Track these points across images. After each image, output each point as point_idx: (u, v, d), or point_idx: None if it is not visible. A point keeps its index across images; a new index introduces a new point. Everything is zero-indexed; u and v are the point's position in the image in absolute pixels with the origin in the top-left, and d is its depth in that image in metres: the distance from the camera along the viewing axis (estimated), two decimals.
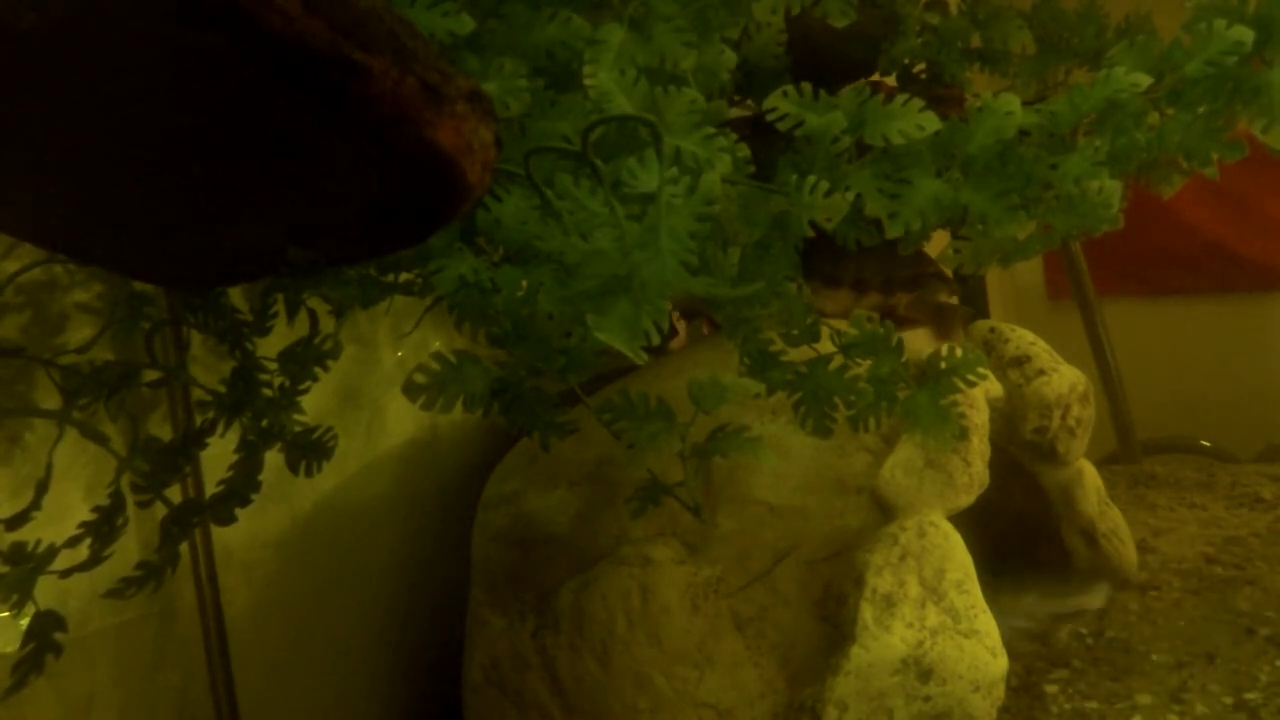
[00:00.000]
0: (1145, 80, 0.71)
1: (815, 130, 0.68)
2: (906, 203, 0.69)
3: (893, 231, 0.70)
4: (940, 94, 1.03)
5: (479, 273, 0.60)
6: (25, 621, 0.69)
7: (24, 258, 0.75)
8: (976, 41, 1.05)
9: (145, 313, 0.78)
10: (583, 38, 0.61)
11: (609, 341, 0.49)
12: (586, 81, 0.59)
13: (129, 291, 0.77)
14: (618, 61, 0.60)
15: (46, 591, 0.69)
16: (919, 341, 1.04)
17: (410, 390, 0.65)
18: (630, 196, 0.52)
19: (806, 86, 0.69)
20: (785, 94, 0.69)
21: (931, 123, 0.67)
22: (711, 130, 0.59)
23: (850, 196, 0.68)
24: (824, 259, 0.98)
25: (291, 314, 0.81)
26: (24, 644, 0.68)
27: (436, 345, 1.09)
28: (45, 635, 0.68)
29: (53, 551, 0.70)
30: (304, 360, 0.81)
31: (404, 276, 0.78)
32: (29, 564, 0.68)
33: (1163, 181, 0.89)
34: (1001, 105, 0.69)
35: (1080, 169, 0.70)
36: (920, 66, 1.06)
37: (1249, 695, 0.92)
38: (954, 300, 1.13)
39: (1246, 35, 0.72)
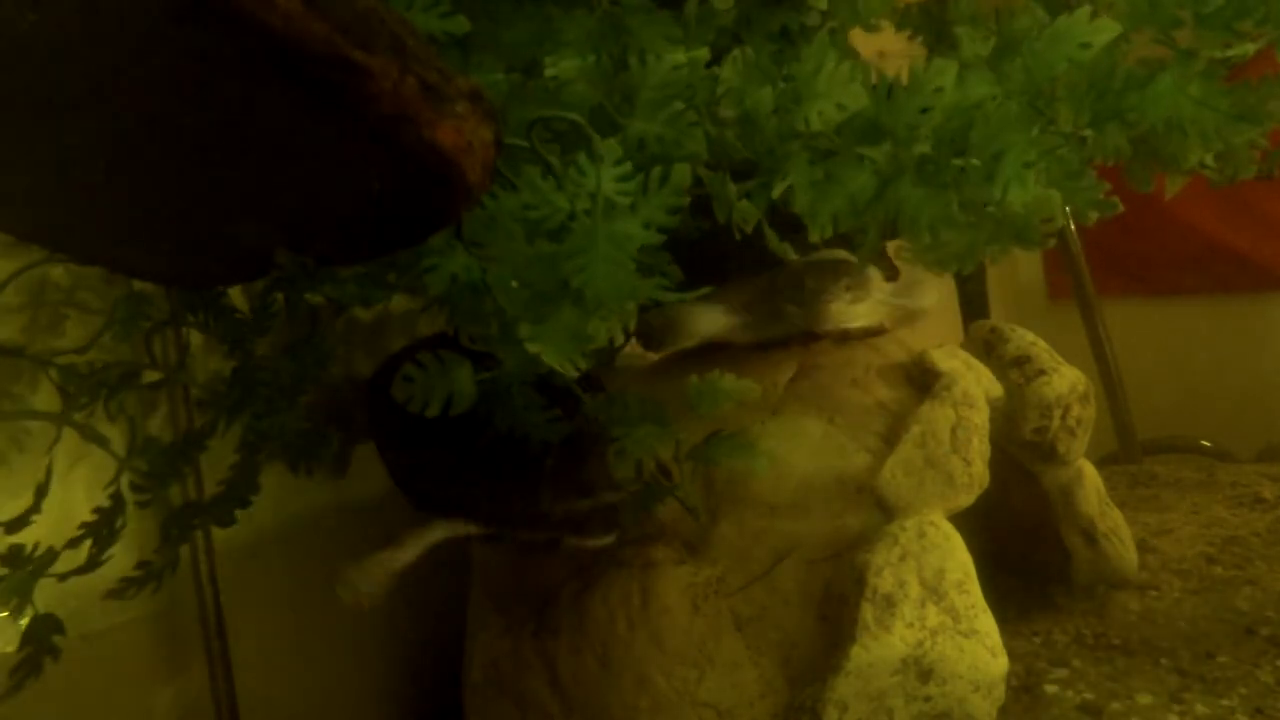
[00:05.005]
0: (1111, 28, 0.57)
1: (750, 108, 0.57)
2: (826, 200, 0.58)
3: (812, 234, 0.61)
4: None
5: (470, 271, 0.59)
6: (25, 622, 0.69)
7: (24, 258, 0.75)
8: None
9: (145, 313, 0.78)
10: (556, 36, 0.58)
11: (539, 354, 0.46)
12: (548, 72, 0.55)
13: (129, 291, 0.77)
14: (583, 48, 0.55)
15: (47, 592, 0.69)
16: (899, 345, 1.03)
17: (397, 388, 0.64)
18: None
19: (755, 48, 0.59)
20: (735, 60, 0.58)
21: (856, 100, 0.56)
22: (681, 106, 0.52)
23: (784, 186, 0.59)
24: None
25: (291, 314, 0.81)
26: (21, 646, 0.68)
27: None
28: (43, 638, 0.68)
29: (52, 554, 0.69)
30: (304, 360, 0.81)
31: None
32: (28, 567, 0.68)
33: (1173, 169, 0.74)
34: (933, 75, 0.56)
35: (1011, 172, 0.57)
36: None
37: (1250, 695, 0.92)
38: None
39: None
